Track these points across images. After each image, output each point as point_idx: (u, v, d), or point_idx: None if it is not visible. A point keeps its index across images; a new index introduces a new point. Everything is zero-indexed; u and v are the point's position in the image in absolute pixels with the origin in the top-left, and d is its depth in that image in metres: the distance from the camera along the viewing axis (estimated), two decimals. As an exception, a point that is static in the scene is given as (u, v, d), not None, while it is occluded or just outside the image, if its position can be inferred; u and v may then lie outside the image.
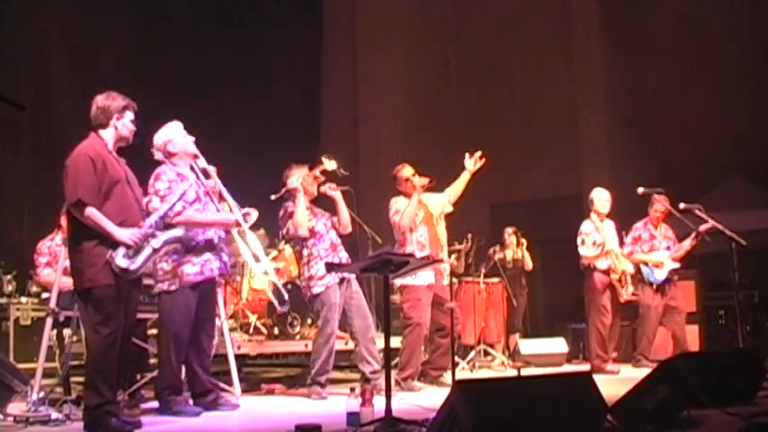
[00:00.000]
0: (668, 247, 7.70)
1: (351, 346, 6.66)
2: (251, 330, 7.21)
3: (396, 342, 5.78)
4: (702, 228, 7.13)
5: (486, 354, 8.41)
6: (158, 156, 5.19)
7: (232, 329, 6.72)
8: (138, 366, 5.47)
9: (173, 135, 5.24)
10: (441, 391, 5.80)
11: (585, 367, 7.40)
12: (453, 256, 7.46)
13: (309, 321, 7.29)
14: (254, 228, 5.47)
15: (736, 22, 10.96)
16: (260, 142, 10.84)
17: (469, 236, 8.04)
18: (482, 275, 8.38)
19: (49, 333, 5.24)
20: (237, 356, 6.04)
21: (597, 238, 7.34)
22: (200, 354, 5.20)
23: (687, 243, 7.54)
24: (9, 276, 7.63)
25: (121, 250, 4.31)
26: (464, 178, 6.45)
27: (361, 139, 12.49)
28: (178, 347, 5.02)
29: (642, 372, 5.50)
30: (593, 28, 11.50)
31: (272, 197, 5.85)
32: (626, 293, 7.40)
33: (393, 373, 5.04)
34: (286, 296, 6.05)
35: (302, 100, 12.37)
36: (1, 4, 10.00)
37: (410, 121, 12.17)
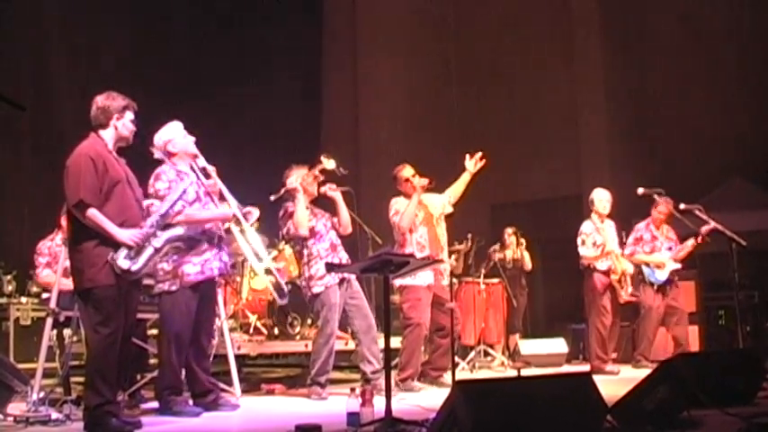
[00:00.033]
0: (670, 248, 7.70)
1: (351, 346, 6.67)
2: (251, 330, 7.21)
3: (396, 342, 5.78)
4: (704, 229, 7.13)
5: (486, 354, 8.41)
6: (157, 154, 5.19)
7: (232, 330, 6.71)
8: (138, 366, 5.47)
9: (173, 135, 5.25)
10: (441, 391, 5.80)
11: (585, 368, 7.40)
12: (453, 256, 7.46)
13: (309, 322, 7.30)
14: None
15: (736, 22, 10.96)
16: (260, 142, 10.84)
17: (469, 236, 8.04)
18: (482, 276, 8.38)
19: (49, 333, 5.25)
20: (237, 357, 6.04)
21: (597, 238, 7.34)
22: (200, 354, 5.20)
23: (689, 244, 7.54)
24: (9, 276, 7.64)
25: (123, 251, 4.31)
26: (464, 179, 6.45)
27: (362, 139, 12.48)
28: (179, 348, 5.02)
29: (642, 372, 5.51)
30: (593, 28, 11.49)
31: (272, 198, 5.85)
32: (625, 294, 7.40)
33: (393, 373, 5.04)
34: (286, 289, 6.05)
35: (302, 100, 12.37)
36: (1, 5, 10.00)
37: (410, 121, 12.16)
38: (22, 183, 10.08)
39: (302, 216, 5.79)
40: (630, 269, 7.53)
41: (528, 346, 8.50)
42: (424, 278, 6.16)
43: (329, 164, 5.89)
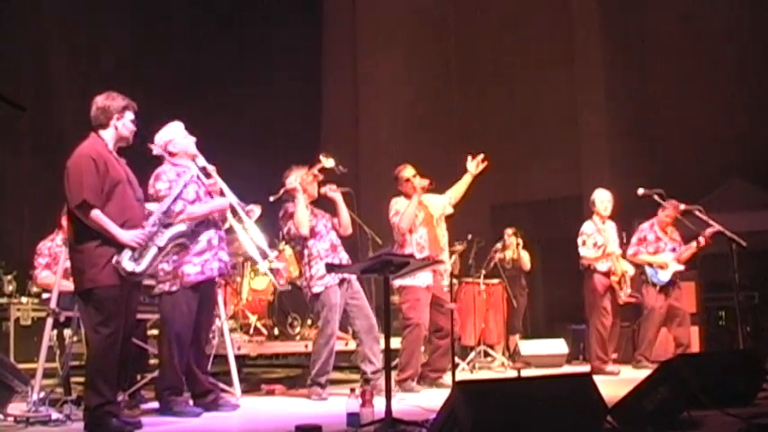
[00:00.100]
0: (674, 249, 7.69)
1: (351, 346, 6.68)
2: (251, 331, 7.21)
3: (395, 343, 5.78)
4: (708, 232, 7.14)
5: (487, 355, 8.41)
6: (156, 150, 5.18)
7: (232, 330, 6.71)
8: (139, 367, 5.47)
9: (174, 135, 5.25)
10: (441, 391, 5.81)
11: (586, 368, 7.40)
12: (454, 256, 7.47)
13: (309, 322, 7.30)
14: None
15: (736, 22, 10.95)
16: (260, 142, 10.83)
17: (469, 236, 8.05)
18: (482, 276, 8.38)
19: (49, 333, 5.25)
20: (237, 357, 6.04)
21: (598, 239, 7.34)
22: (199, 354, 5.21)
23: (692, 246, 7.53)
24: (9, 276, 7.64)
25: (127, 253, 4.31)
26: (466, 180, 6.45)
27: (362, 139, 12.47)
28: (180, 348, 5.02)
29: (642, 373, 5.51)
30: (593, 28, 11.48)
31: (271, 198, 5.85)
32: (624, 295, 7.40)
33: (393, 373, 5.04)
34: (284, 276, 6.04)
35: (302, 100, 12.35)
36: (1, 4, 10.00)
37: (410, 121, 12.15)
38: (22, 183, 10.08)
39: (303, 216, 5.79)
40: (631, 271, 7.54)
41: (528, 347, 8.51)
42: (423, 279, 6.16)
43: (328, 162, 5.89)
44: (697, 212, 7.02)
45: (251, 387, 6.50)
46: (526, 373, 7.10)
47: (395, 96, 12.34)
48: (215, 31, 11.59)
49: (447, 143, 11.84)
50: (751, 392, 4.63)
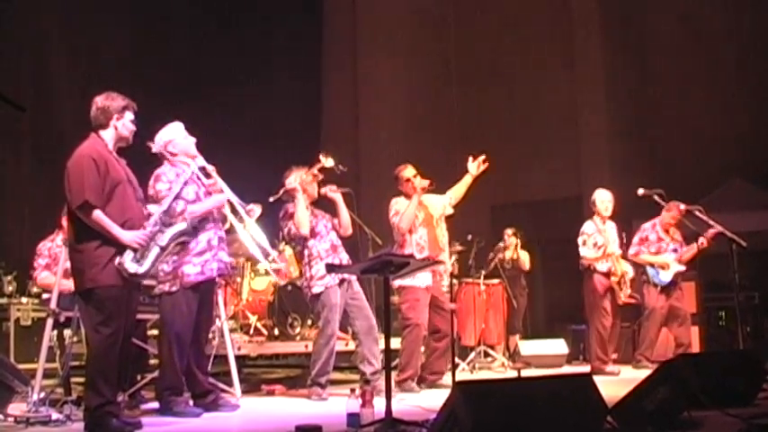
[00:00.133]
0: (675, 250, 7.68)
1: (351, 347, 6.67)
2: (251, 331, 7.21)
3: (395, 343, 5.78)
4: (709, 233, 7.14)
5: (487, 355, 8.41)
6: (155, 148, 5.18)
7: (232, 330, 6.71)
8: (139, 367, 5.47)
9: (174, 136, 5.25)
10: (441, 392, 5.80)
11: (586, 368, 7.40)
12: (454, 257, 7.46)
13: (310, 322, 7.29)
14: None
15: (736, 22, 10.96)
16: (260, 142, 10.83)
17: (469, 237, 8.05)
18: (482, 276, 8.38)
19: (49, 333, 5.25)
20: (238, 357, 6.03)
21: (599, 239, 7.34)
22: (198, 354, 5.21)
23: (694, 247, 7.52)
24: (9, 277, 7.64)
25: (129, 254, 4.31)
26: (466, 181, 6.45)
27: (362, 139, 12.48)
28: (180, 348, 5.02)
29: (642, 373, 5.50)
30: (593, 28, 11.49)
31: (271, 199, 5.85)
32: (624, 296, 7.40)
33: (393, 374, 5.04)
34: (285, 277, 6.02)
35: (302, 100, 12.35)
36: (1, 4, 10.00)
37: (410, 121, 12.16)
38: (22, 183, 10.08)
39: (303, 216, 5.79)
40: (630, 272, 7.53)
41: (528, 347, 8.50)
42: (422, 279, 6.16)
43: (328, 162, 5.89)
44: (697, 213, 7.02)
45: (251, 387, 6.50)
46: (526, 373, 7.10)
47: (395, 96, 12.35)
48: (215, 31, 11.59)
49: (447, 143, 11.85)
50: (751, 393, 4.63)
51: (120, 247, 4.31)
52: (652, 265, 7.66)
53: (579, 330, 8.82)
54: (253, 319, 7.27)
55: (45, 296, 6.09)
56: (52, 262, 6.00)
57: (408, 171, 6.38)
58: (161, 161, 5.24)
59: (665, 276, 7.61)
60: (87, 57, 10.55)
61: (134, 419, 4.54)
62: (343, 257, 5.99)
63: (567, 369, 8.13)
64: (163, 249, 4.47)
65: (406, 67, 12.41)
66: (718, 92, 10.67)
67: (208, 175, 5.25)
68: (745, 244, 6.50)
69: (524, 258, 9.07)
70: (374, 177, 9.93)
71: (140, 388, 5.42)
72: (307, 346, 6.73)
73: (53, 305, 5.18)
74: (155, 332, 5.69)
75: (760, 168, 9.90)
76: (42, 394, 4.82)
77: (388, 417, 4.05)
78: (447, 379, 6.23)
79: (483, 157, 6.38)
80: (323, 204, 6.09)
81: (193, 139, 5.27)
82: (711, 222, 6.94)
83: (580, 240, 7.38)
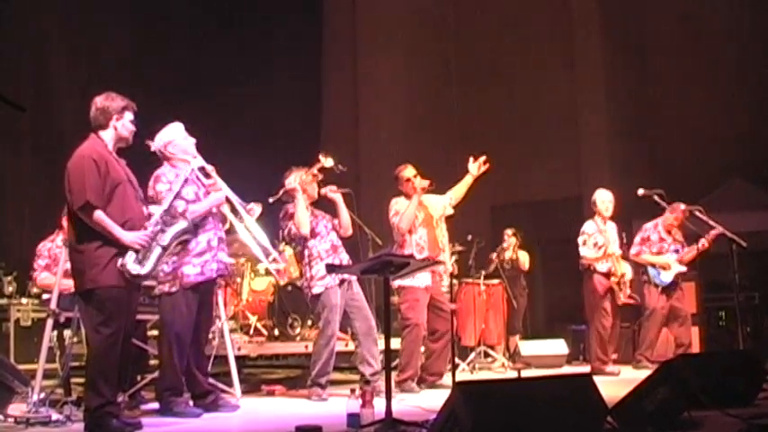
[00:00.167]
0: (677, 251, 7.68)
1: (351, 347, 6.67)
2: (251, 332, 7.21)
3: (395, 344, 5.78)
4: (712, 234, 7.14)
5: (487, 355, 8.41)
6: (154, 146, 5.17)
7: (232, 331, 6.71)
8: (139, 368, 5.47)
9: (174, 136, 5.25)
10: (441, 392, 5.80)
11: (586, 369, 7.40)
12: (454, 257, 7.46)
13: (310, 323, 7.29)
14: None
15: (736, 22, 10.95)
16: (260, 142, 10.84)
17: (469, 237, 8.05)
18: (482, 277, 8.38)
19: (49, 334, 5.25)
20: (238, 358, 6.04)
21: (599, 239, 7.34)
22: (198, 355, 5.20)
23: (696, 248, 7.52)
24: (10, 277, 7.64)
25: (131, 256, 4.31)
26: (467, 182, 6.45)
27: (362, 139, 12.48)
28: (180, 349, 5.02)
29: (642, 373, 5.51)
30: (593, 28, 11.49)
31: (270, 200, 5.84)
32: (623, 296, 7.40)
33: (393, 374, 5.04)
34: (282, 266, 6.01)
35: (302, 100, 12.36)
36: (1, 4, 10.00)
37: (410, 121, 12.16)
38: (22, 183, 10.08)
39: (303, 216, 5.79)
40: (629, 273, 7.53)
41: (528, 348, 8.50)
42: (422, 279, 6.15)
43: (327, 162, 5.89)
44: (697, 213, 7.02)
45: (251, 388, 6.50)
46: (526, 373, 7.10)
47: (395, 96, 12.35)
48: (215, 31, 11.59)
49: (447, 143, 11.85)
50: (751, 393, 4.63)
51: (121, 248, 4.31)
52: (653, 266, 7.65)
53: (579, 331, 8.81)
54: (253, 320, 7.28)
55: (45, 297, 6.09)
56: (52, 262, 6.00)
57: (408, 171, 6.38)
58: (161, 162, 5.24)
59: (666, 277, 7.60)
60: (87, 57, 10.56)
61: (134, 420, 4.54)
62: (344, 258, 5.99)
63: (567, 369, 8.13)
64: (165, 249, 4.48)
65: (406, 67, 12.41)
66: (718, 92, 10.66)
67: (207, 176, 5.25)
68: (745, 244, 6.50)
69: (523, 259, 9.07)
70: (374, 177, 9.93)
71: (140, 388, 5.42)
72: (307, 347, 6.73)
73: (53, 306, 5.18)
74: (155, 333, 5.69)
75: (760, 168, 9.90)
76: (42, 395, 4.82)
77: (388, 417, 4.05)
78: (447, 379, 6.23)
79: (484, 157, 6.38)
80: (323, 205, 6.09)
81: (193, 140, 5.27)
82: (713, 224, 6.94)
83: (580, 240, 7.37)
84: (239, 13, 11.88)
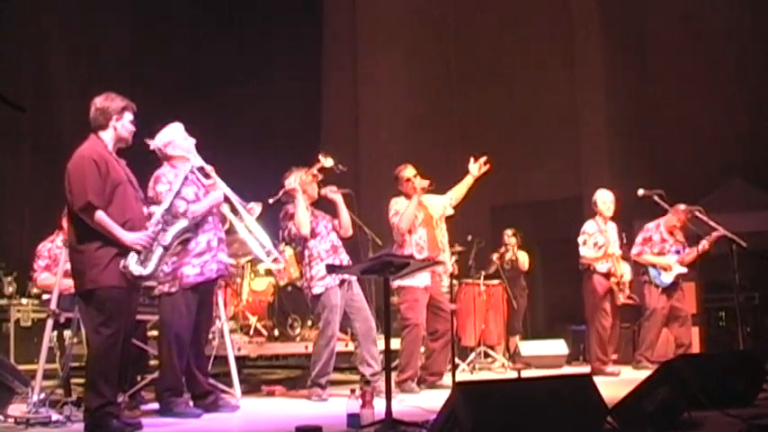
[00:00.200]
0: (678, 252, 7.67)
1: (351, 347, 6.67)
2: (251, 332, 7.21)
3: (395, 344, 5.77)
4: (714, 235, 7.14)
5: (487, 356, 8.41)
6: (153, 145, 5.17)
7: (232, 331, 6.71)
8: (139, 368, 5.46)
9: (173, 137, 5.25)
10: (441, 392, 5.80)
11: (586, 369, 7.40)
12: (454, 257, 7.46)
13: (310, 323, 7.29)
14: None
15: (736, 22, 10.95)
16: (260, 142, 10.84)
17: (469, 237, 8.05)
18: (482, 277, 8.37)
19: (49, 334, 5.25)
20: (238, 358, 6.04)
21: (599, 239, 7.34)
22: (198, 355, 5.20)
23: (696, 251, 7.51)
24: (10, 278, 7.63)
25: (133, 257, 4.31)
26: (467, 182, 6.45)
27: (362, 139, 12.48)
28: (180, 349, 5.02)
29: (642, 373, 5.51)
30: (593, 28, 11.48)
31: (270, 201, 5.84)
32: (623, 297, 7.40)
33: (393, 374, 5.04)
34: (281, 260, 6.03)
35: (302, 100, 12.36)
36: (1, 4, 10.00)
37: (410, 121, 12.15)
38: (23, 183, 10.09)
39: (303, 216, 5.79)
40: (628, 274, 7.52)
41: (528, 348, 8.50)
42: (421, 279, 6.15)
43: (327, 162, 5.90)
44: (697, 213, 7.02)
45: (251, 388, 6.50)
46: (526, 373, 7.10)
47: (395, 96, 12.34)
48: (215, 31, 11.59)
49: (447, 143, 11.85)
50: (751, 393, 4.63)
51: (122, 249, 4.31)
52: (654, 266, 7.65)
53: (579, 331, 8.81)
54: (253, 320, 7.28)
55: (45, 297, 6.09)
56: (52, 263, 5.99)
57: (408, 171, 6.38)
58: (160, 162, 5.24)
59: (667, 278, 7.60)
60: (87, 57, 10.56)
61: (134, 420, 4.54)
62: (344, 258, 5.99)
63: (568, 370, 8.13)
64: (166, 249, 4.48)
65: (406, 67, 12.41)
66: (718, 92, 10.66)
67: (207, 176, 5.25)
68: (745, 244, 6.50)
69: (523, 259, 9.06)
70: (374, 177, 9.93)
71: (140, 389, 5.41)
72: (307, 347, 6.73)
73: (53, 306, 5.18)
74: (155, 333, 5.69)
75: (760, 169, 9.90)
76: (42, 395, 4.83)
77: (388, 417, 4.06)
78: (447, 379, 6.23)
79: (484, 158, 6.38)
80: (323, 205, 6.09)
81: (193, 140, 5.27)
82: (715, 225, 6.94)
83: (581, 240, 7.37)
84: (239, 13, 11.88)
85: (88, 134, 4.50)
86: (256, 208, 5.35)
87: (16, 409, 4.82)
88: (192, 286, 5.06)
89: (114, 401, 4.34)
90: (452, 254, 7.11)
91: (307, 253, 5.88)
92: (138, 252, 4.34)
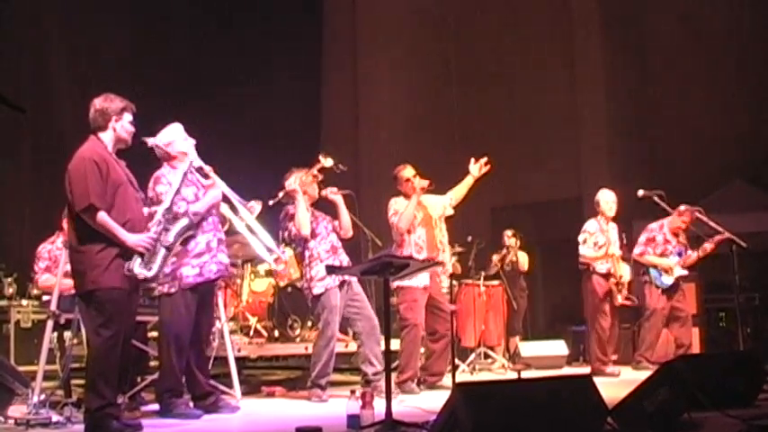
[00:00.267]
0: (680, 253, 7.66)
1: (351, 348, 6.68)
2: (251, 333, 7.21)
3: (395, 345, 5.77)
4: (715, 239, 7.14)
5: (487, 356, 8.40)
6: (151, 143, 5.16)
7: (232, 332, 6.71)
8: (139, 369, 5.46)
9: (173, 137, 5.24)
10: (441, 393, 5.80)
11: (586, 370, 7.40)
12: (454, 258, 7.46)
13: (310, 324, 7.29)
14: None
15: (736, 22, 10.94)
16: (260, 142, 10.84)
17: (469, 238, 8.05)
18: (482, 278, 8.37)
19: (49, 336, 5.25)
20: (238, 359, 6.04)
21: (600, 239, 7.33)
22: (198, 356, 5.20)
23: (698, 253, 7.51)
24: (10, 279, 7.63)
25: (137, 259, 4.32)
26: (468, 183, 6.45)
27: (361, 139, 12.48)
28: (179, 350, 5.02)
29: (642, 374, 5.51)
30: (593, 28, 11.48)
31: (270, 202, 5.84)
32: (620, 297, 7.40)
33: (393, 375, 5.04)
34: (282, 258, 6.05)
35: (302, 100, 12.35)
36: (1, 4, 10.00)
37: (410, 121, 12.15)
38: (22, 183, 10.08)
39: (303, 216, 5.79)
40: (628, 275, 7.52)
41: (528, 348, 8.49)
42: (420, 279, 6.15)
43: (327, 162, 5.90)
44: (698, 214, 7.02)
45: (251, 389, 6.50)
46: (526, 374, 7.10)
47: (395, 96, 12.34)
48: (215, 31, 11.58)
49: (447, 143, 11.84)
50: (751, 394, 4.63)
51: (123, 250, 4.31)
52: (655, 267, 7.64)
53: (579, 331, 8.80)
54: (253, 321, 7.27)
55: (45, 298, 6.09)
56: (52, 264, 6.00)
57: (407, 171, 6.38)
58: (160, 163, 5.24)
59: (668, 280, 7.59)
60: (87, 57, 10.56)
61: (134, 421, 4.54)
62: (344, 259, 5.98)
63: (568, 370, 8.12)
64: (169, 249, 4.50)
65: (406, 67, 12.41)
66: (718, 92, 10.65)
67: (206, 176, 5.25)
68: (745, 245, 6.49)
69: (523, 260, 9.06)
70: (374, 177, 9.93)
71: (140, 390, 5.41)
72: (307, 348, 6.73)
73: (53, 307, 5.18)
74: (155, 334, 5.69)
75: (760, 169, 9.90)
76: (42, 396, 4.82)
77: (388, 418, 4.06)
78: (447, 380, 6.22)
79: (485, 159, 6.38)
80: (323, 206, 6.09)
81: (193, 141, 5.27)
82: (717, 227, 6.93)
83: (581, 238, 7.37)
84: (239, 13, 11.87)
85: (88, 135, 4.50)
86: (256, 206, 5.35)
87: (16, 410, 4.82)
88: (192, 287, 5.06)
89: (114, 402, 4.34)
90: (452, 254, 7.10)
91: (307, 254, 5.88)
92: (142, 254, 4.34)
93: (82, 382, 4.50)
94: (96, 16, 10.59)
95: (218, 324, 5.77)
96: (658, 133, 11.05)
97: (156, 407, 5.14)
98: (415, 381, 6.17)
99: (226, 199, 5.29)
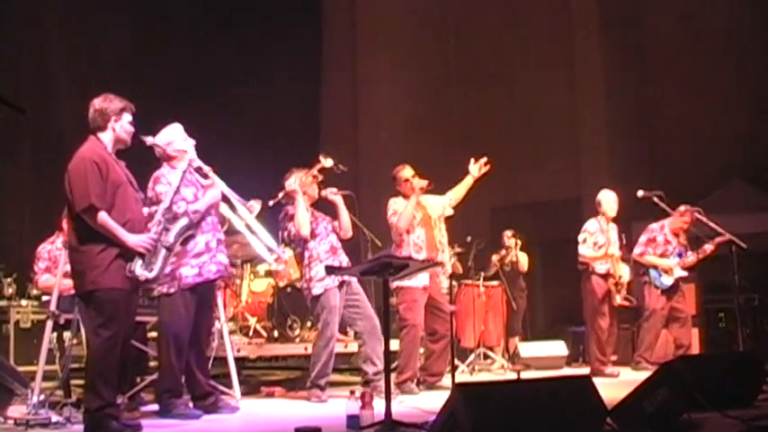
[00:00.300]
0: (680, 254, 7.66)
1: (350, 348, 6.68)
2: (251, 333, 7.21)
3: (394, 345, 5.77)
4: (716, 240, 7.14)
5: (486, 357, 8.40)
6: (149, 141, 5.16)
7: (232, 332, 6.71)
8: (138, 369, 5.46)
9: (173, 137, 5.24)
10: (440, 394, 5.79)
11: (585, 370, 7.40)
12: (454, 258, 7.46)
13: (309, 324, 7.29)
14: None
15: (736, 22, 10.93)
16: (260, 142, 10.84)
17: (469, 239, 8.04)
18: (482, 278, 8.37)
19: (49, 336, 5.25)
20: (237, 359, 6.05)
21: (600, 239, 7.33)
22: (198, 356, 5.20)
23: (698, 254, 7.50)
24: (9, 279, 7.62)
25: (138, 260, 4.32)
26: (467, 183, 6.45)
27: (361, 139, 12.47)
28: (178, 350, 5.02)
29: (641, 374, 5.51)
30: (593, 28, 11.47)
31: (270, 203, 5.84)
32: (620, 298, 7.40)
33: (392, 375, 5.04)
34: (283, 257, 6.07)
35: (302, 100, 12.35)
36: (1, 4, 10.00)
37: (410, 121, 12.15)
38: (22, 183, 10.08)
39: (303, 217, 5.80)
40: (627, 275, 7.51)
41: (528, 349, 8.49)
42: (420, 279, 6.15)
43: (327, 162, 5.91)
44: (697, 215, 7.01)
45: (251, 389, 6.50)
46: (526, 375, 7.11)
47: (395, 96, 12.34)
48: (215, 31, 11.58)
49: (447, 143, 11.83)
50: (751, 394, 4.63)
51: (123, 250, 4.31)
52: (655, 267, 7.64)
53: (579, 332, 8.78)
54: (252, 321, 7.27)
55: (45, 298, 6.10)
56: (52, 265, 6.00)
57: (406, 171, 6.38)
58: (160, 163, 5.24)
59: (667, 281, 7.59)
60: (87, 57, 10.56)
61: (134, 422, 4.54)
62: (343, 259, 5.98)
63: (567, 371, 8.12)
64: (170, 250, 4.50)
65: (406, 67, 12.40)
66: (718, 92, 10.64)
67: (205, 176, 5.25)
68: (745, 245, 6.49)
69: (523, 260, 9.05)
70: (373, 178, 9.92)
71: (140, 390, 5.41)
72: (306, 348, 6.73)
73: (53, 307, 5.18)
74: (154, 334, 5.69)
75: (760, 169, 9.89)
76: (42, 396, 4.83)
77: (387, 418, 4.06)
78: (446, 381, 6.22)
79: (485, 159, 6.38)
80: (323, 206, 6.09)
81: (193, 141, 5.27)
82: (717, 228, 6.93)
83: (581, 238, 7.37)
84: (239, 13, 11.87)
85: (88, 135, 4.50)
86: (256, 206, 5.35)
87: (16, 410, 4.83)
88: (191, 287, 5.06)
89: (114, 403, 4.34)
90: (452, 255, 7.10)
91: (306, 254, 5.88)
92: (142, 255, 4.34)
93: (81, 382, 4.50)
94: (96, 16, 10.59)
95: (217, 324, 5.77)
96: (658, 133, 11.04)
97: (155, 407, 5.14)
98: (415, 381, 6.17)
99: (225, 199, 5.29)
